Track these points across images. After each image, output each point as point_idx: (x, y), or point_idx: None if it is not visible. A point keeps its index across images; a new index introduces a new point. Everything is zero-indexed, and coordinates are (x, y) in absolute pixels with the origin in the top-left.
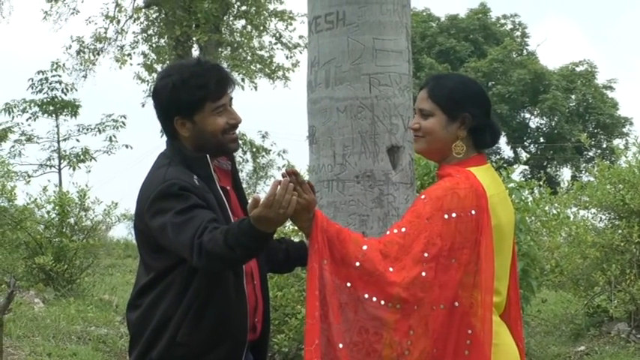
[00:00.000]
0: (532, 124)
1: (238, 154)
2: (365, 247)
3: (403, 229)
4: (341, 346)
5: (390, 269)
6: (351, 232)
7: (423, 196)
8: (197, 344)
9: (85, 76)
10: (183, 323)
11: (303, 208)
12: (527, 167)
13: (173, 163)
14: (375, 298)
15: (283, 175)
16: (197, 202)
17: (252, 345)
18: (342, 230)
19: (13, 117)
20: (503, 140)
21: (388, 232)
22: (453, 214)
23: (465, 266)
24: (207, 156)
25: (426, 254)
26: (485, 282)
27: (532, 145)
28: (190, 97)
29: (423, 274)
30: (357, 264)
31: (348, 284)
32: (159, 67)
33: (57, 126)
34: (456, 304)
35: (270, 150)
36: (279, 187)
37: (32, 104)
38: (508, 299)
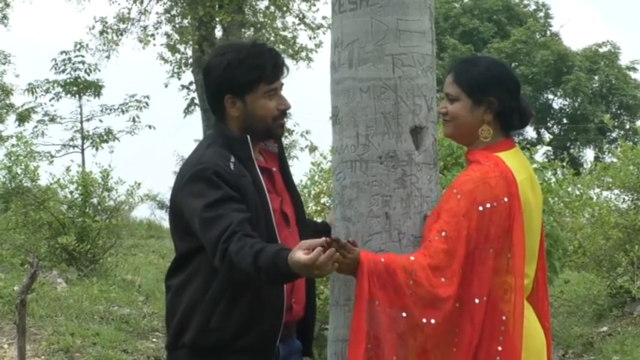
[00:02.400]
0: (555, 105)
1: None
2: (413, 272)
3: (443, 233)
4: None
5: (442, 279)
6: (397, 259)
7: (454, 191)
8: (230, 329)
9: (108, 57)
10: (216, 309)
11: (349, 265)
12: (550, 148)
13: (214, 145)
14: (433, 320)
15: (326, 243)
16: (228, 194)
17: (298, 326)
18: (389, 263)
19: (36, 97)
20: None
21: (430, 240)
22: (487, 205)
23: (500, 254)
24: (248, 137)
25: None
26: (518, 267)
27: (555, 126)
28: (245, 77)
29: (460, 270)
30: (410, 292)
31: (404, 314)
32: (182, 48)
33: (80, 106)
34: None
35: (294, 130)
36: (322, 255)
37: (55, 84)
38: (536, 280)
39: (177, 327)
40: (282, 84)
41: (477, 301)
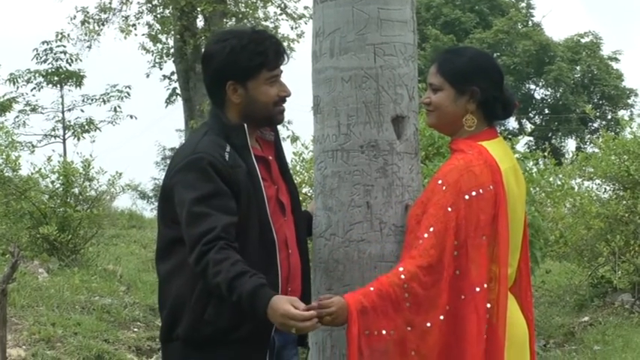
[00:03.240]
0: (537, 96)
1: None
2: (406, 285)
3: (431, 229)
4: None
5: (435, 276)
6: (386, 279)
7: (440, 182)
8: (225, 321)
9: (89, 47)
10: (209, 301)
11: (336, 316)
12: (531, 138)
13: (210, 132)
14: (442, 317)
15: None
16: (219, 189)
17: None
18: (380, 288)
19: (17, 87)
20: None
21: (421, 240)
22: (473, 193)
23: (490, 241)
24: (245, 125)
25: (456, 242)
26: (502, 255)
27: (537, 117)
28: (248, 62)
29: (457, 263)
30: (408, 304)
31: (409, 328)
32: (163, 38)
33: (61, 96)
34: (496, 277)
35: None
36: (303, 322)
37: (37, 74)
38: (519, 271)
39: (169, 318)
40: (282, 71)
41: (477, 289)
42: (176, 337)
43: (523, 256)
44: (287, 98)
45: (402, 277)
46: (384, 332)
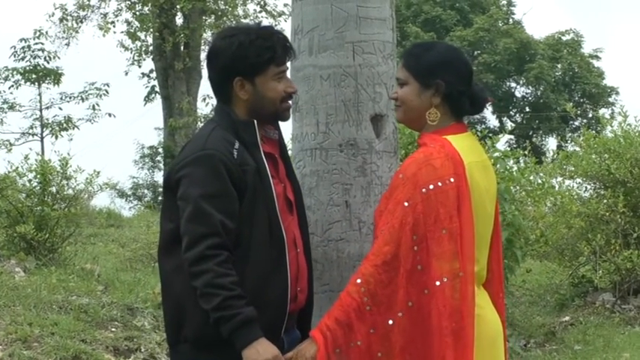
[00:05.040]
0: (518, 94)
1: None
2: (363, 289)
3: (388, 225)
4: None
5: (392, 272)
6: (345, 290)
7: (400, 175)
8: None
9: (67, 44)
10: None
11: (309, 351)
12: (512, 137)
13: (218, 128)
14: (400, 314)
15: None
16: (226, 189)
17: (298, 316)
18: (340, 304)
19: None
20: (488, 109)
21: (376, 237)
22: (431, 186)
23: (453, 235)
24: (255, 122)
25: (414, 237)
26: (467, 250)
27: (518, 115)
28: (257, 58)
29: (418, 258)
30: (368, 308)
31: (372, 330)
32: (142, 36)
33: (39, 94)
34: (461, 273)
35: None
36: None
37: (14, 72)
38: (491, 272)
39: (173, 319)
40: (288, 67)
41: (437, 283)
42: (184, 340)
43: (495, 255)
44: (293, 95)
45: (358, 281)
46: (351, 345)
